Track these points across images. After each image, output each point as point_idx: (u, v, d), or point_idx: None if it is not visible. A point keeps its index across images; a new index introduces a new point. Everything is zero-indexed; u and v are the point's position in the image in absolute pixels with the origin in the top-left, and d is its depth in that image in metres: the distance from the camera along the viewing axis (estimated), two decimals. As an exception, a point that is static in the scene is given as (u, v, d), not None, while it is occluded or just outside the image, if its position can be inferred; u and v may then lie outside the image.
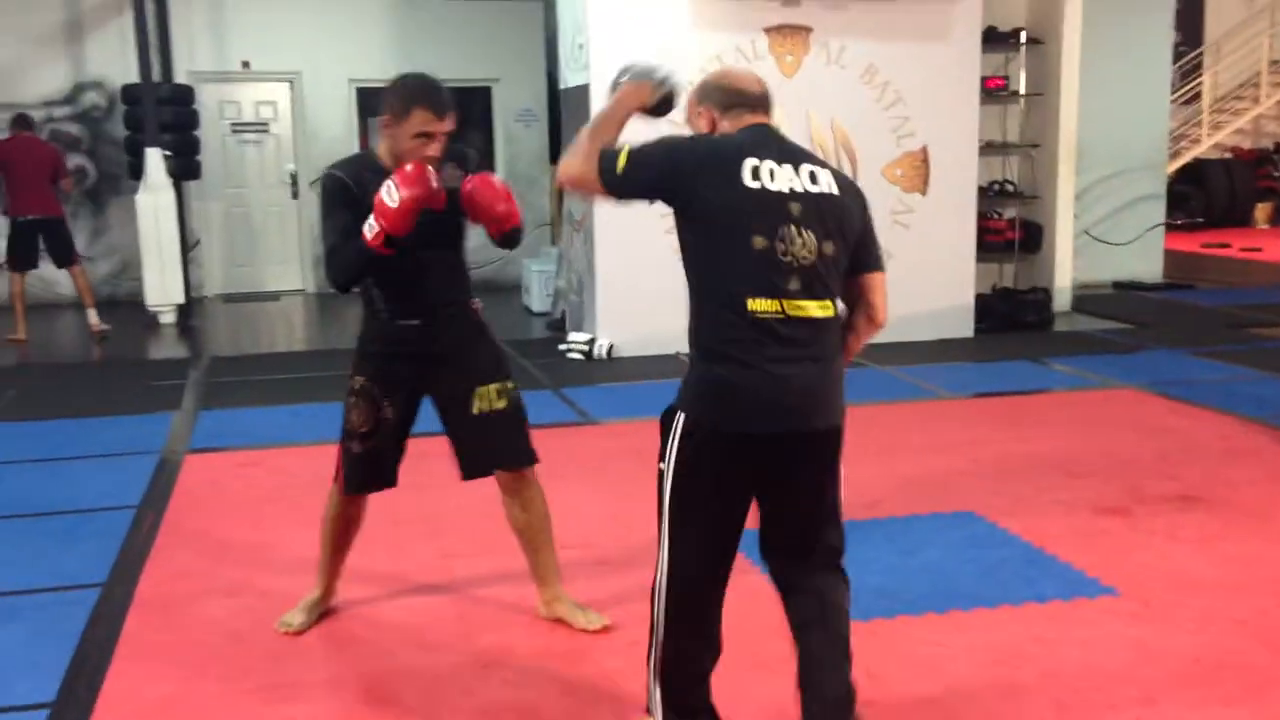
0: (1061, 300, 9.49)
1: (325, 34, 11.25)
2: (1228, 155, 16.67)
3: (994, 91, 9.18)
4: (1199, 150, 16.05)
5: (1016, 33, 9.38)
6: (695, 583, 2.62)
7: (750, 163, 2.49)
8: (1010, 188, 9.64)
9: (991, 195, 9.49)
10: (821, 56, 8.02)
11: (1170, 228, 11.65)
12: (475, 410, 3.44)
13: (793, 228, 2.46)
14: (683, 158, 2.55)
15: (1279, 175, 16.84)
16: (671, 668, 2.68)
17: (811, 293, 2.47)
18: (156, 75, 9.84)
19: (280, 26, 11.17)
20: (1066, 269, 9.58)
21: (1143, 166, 10.78)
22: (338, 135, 11.54)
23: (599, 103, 7.62)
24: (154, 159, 9.43)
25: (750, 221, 2.46)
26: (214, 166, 11.22)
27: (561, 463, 5.50)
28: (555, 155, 10.62)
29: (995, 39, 9.14)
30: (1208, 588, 3.80)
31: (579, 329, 8.25)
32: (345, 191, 3.28)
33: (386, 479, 3.63)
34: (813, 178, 2.52)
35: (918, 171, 8.31)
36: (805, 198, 2.48)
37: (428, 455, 5.56)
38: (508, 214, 3.39)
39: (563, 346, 8.10)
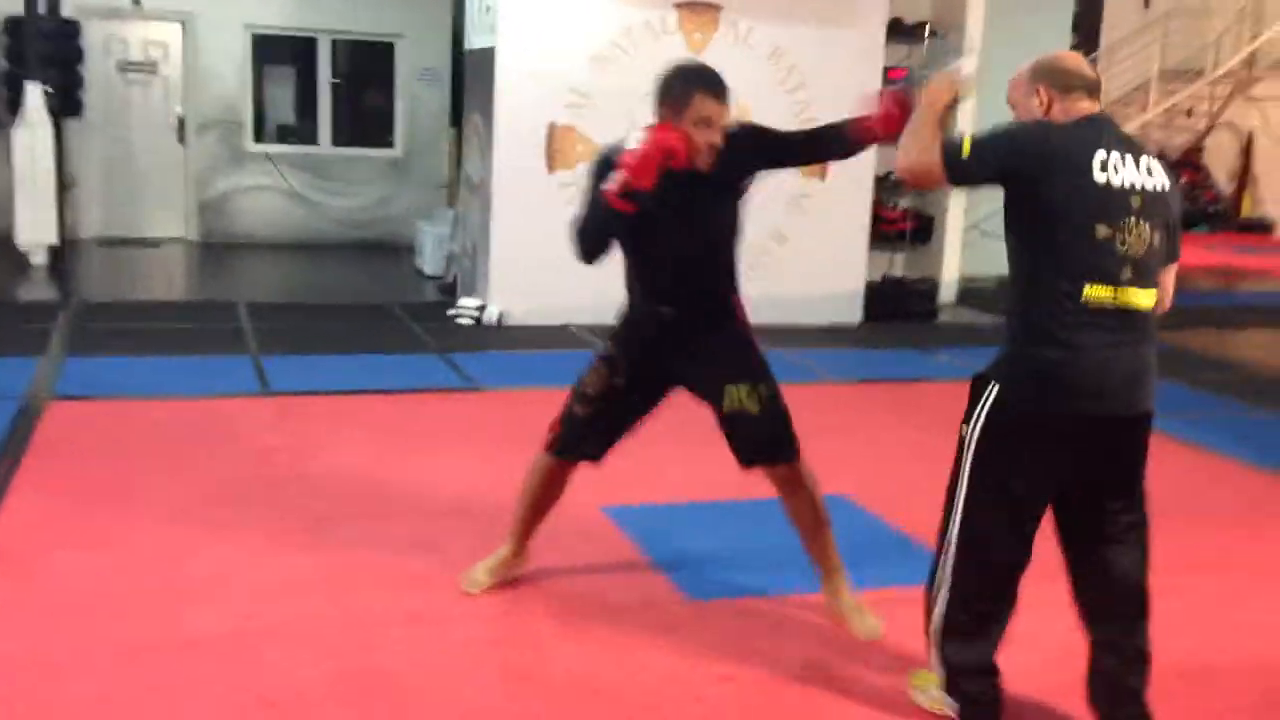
0: (948, 292, 9.68)
1: (223, -25, 10.87)
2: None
3: (896, 82, 9.28)
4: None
5: (921, 25, 9.50)
6: (991, 555, 2.78)
7: (1100, 156, 2.58)
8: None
9: (888, 185, 9.62)
10: (730, 35, 8.01)
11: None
12: (725, 409, 3.33)
13: (1133, 219, 2.58)
14: (1030, 144, 2.62)
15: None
16: (955, 634, 2.82)
17: (1141, 282, 2.61)
18: (42, 8, 9.41)
19: (175, -37, 10.76)
20: (955, 262, 9.77)
21: (1034, 166, 11.04)
22: (231, 81, 11.19)
23: (506, 66, 7.58)
24: (33, 94, 9.03)
25: (1097, 212, 2.56)
26: (98, 105, 10.79)
27: (442, 428, 5.44)
28: (457, 117, 10.46)
29: (900, 30, 9.24)
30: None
31: (470, 294, 8.15)
32: (605, 166, 3.16)
33: (592, 450, 3.48)
34: (1150, 171, 2.63)
35: (817, 156, 8.35)
36: (1145, 192, 2.60)
37: (303, 414, 5.47)
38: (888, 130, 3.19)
39: (452, 311, 8.00)
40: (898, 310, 9.04)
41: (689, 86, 3.16)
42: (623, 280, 3.42)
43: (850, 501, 4.52)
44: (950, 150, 2.63)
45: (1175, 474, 4.54)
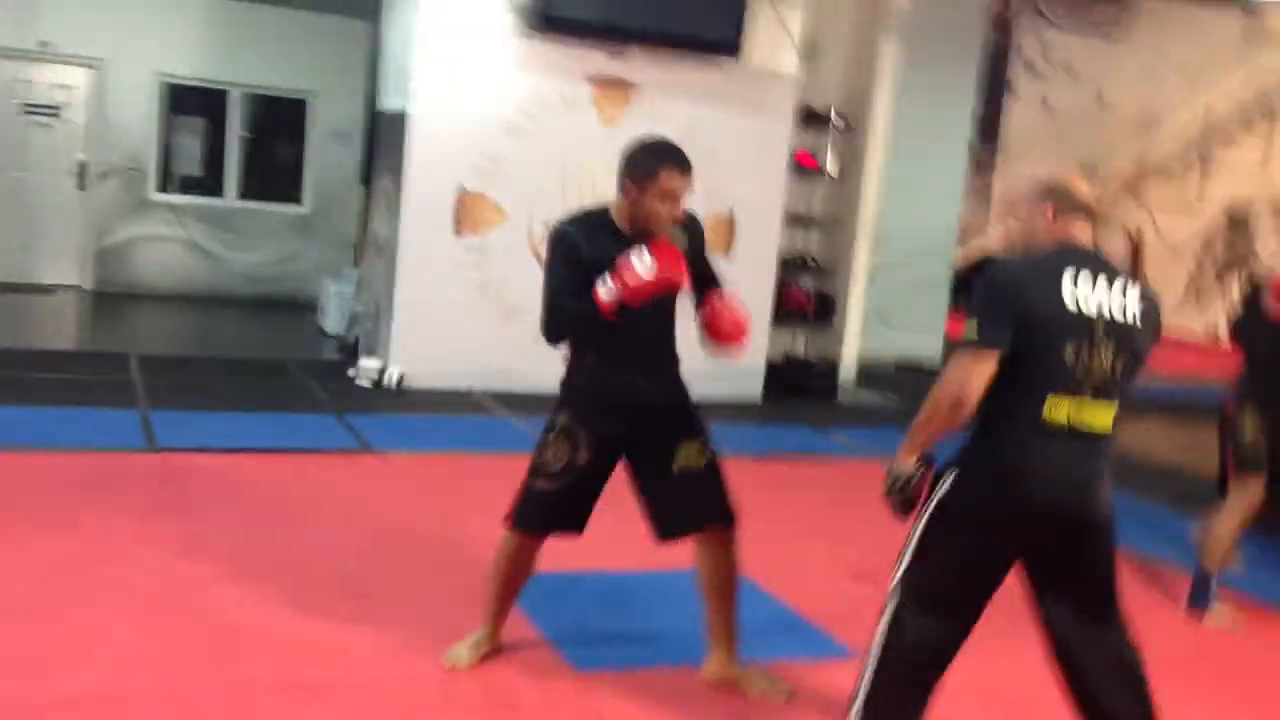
0: (846, 373, 9.85)
1: (135, 22, 10.72)
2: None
3: (804, 167, 9.50)
4: (987, 242, 17.02)
5: (829, 114, 9.76)
6: (921, 637, 2.86)
7: (1069, 277, 2.75)
8: (810, 261, 9.98)
9: (794, 266, 9.79)
10: (642, 113, 8.13)
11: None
12: (676, 468, 3.37)
13: (1096, 342, 2.74)
14: (1009, 287, 2.78)
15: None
16: (876, 708, 2.87)
17: (1100, 401, 2.76)
18: (-59, 42, 9.19)
19: (87, 7, 10.60)
20: (854, 343, 9.95)
21: (932, 253, 11.31)
22: (137, 129, 11.01)
23: (418, 130, 7.59)
24: (-73, 130, 8.78)
25: (1063, 332, 2.72)
26: (-3, 146, 10.53)
27: (332, 490, 5.34)
28: (368, 177, 10.43)
29: (810, 118, 9.48)
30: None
31: (371, 355, 8.06)
32: (575, 251, 3.23)
33: (570, 523, 3.44)
34: (1123, 297, 2.79)
35: (724, 234, 8.50)
36: (1112, 319, 2.76)
37: (189, 471, 5.32)
38: (738, 347, 3.43)
39: (352, 372, 7.90)
40: (798, 388, 9.16)
41: (655, 160, 3.26)
42: (567, 350, 3.42)
43: (745, 578, 4.52)
44: (968, 345, 2.79)
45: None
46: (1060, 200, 2.91)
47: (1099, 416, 2.77)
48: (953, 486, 2.84)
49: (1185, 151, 17.72)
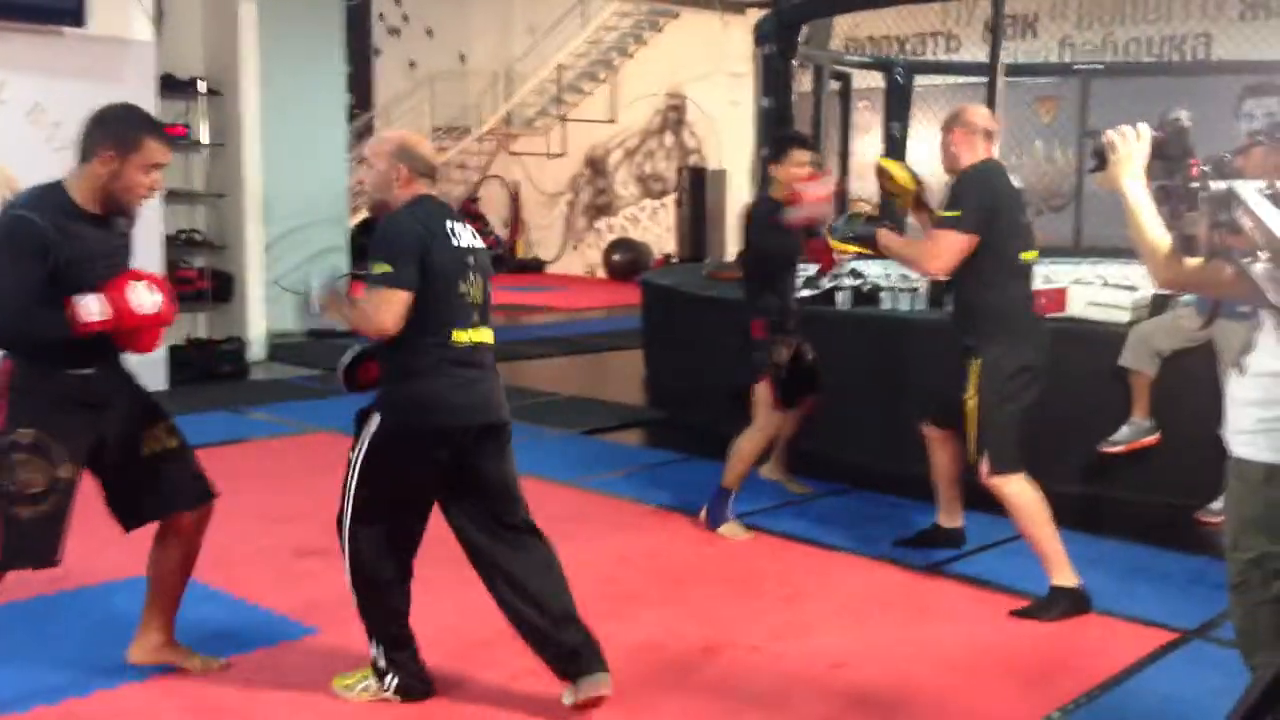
0: (257, 349, 9.56)
1: None
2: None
3: (176, 140, 8.98)
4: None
5: (195, 82, 9.30)
6: (380, 553, 3.22)
7: (448, 225, 3.20)
8: (199, 237, 9.51)
9: (180, 245, 9.27)
10: (-23, 89, 7.22)
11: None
12: (145, 453, 3.26)
13: (472, 275, 3.21)
14: (416, 235, 3.12)
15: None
16: (373, 616, 3.27)
17: (484, 323, 3.25)
18: None
19: None
20: (260, 318, 9.68)
21: (326, 220, 11.24)
22: None
23: None
24: None
25: (457, 271, 3.16)
26: None
27: None
28: None
29: (174, 87, 8.97)
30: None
31: None
32: (41, 241, 2.96)
33: (59, 553, 3.12)
34: (475, 236, 3.29)
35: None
36: (474, 252, 3.24)
37: None
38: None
39: None
40: (206, 372, 8.74)
41: (139, 131, 3.08)
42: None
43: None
44: (383, 282, 3.07)
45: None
46: (413, 163, 3.24)
47: (486, 336, 3.26)
48: (379, 423, 3.18)
49: (545, 105, 19.10)
